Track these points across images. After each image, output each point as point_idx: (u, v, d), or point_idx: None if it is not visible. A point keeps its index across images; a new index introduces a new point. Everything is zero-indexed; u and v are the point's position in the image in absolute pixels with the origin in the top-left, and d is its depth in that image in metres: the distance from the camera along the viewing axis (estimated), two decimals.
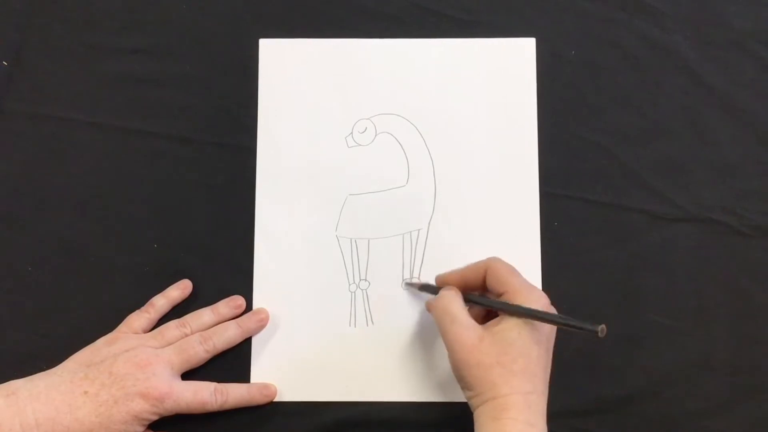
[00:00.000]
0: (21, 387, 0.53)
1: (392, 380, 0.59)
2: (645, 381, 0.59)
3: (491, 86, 0.64)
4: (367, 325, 0.60)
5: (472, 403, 0.51)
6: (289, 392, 0.59)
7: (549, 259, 0.61)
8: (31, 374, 0.55)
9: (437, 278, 0.59)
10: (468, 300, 0.55)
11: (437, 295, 0.55)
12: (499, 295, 0.53)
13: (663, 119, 0.63)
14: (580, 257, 0.61)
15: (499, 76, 0.64)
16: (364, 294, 0.61)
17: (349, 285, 0.61)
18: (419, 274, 0.61)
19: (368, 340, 0.60)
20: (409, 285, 0.60)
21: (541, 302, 0.52)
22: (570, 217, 0.62)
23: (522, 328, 0.50)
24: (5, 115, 0.63)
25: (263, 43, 0.64)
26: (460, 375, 0.52)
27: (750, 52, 0.65)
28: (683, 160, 0.63)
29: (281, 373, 0.59)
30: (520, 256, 0.60)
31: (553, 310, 0.53)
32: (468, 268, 0.56)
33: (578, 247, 0.61)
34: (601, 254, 0.61)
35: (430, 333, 0.60)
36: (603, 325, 0.47)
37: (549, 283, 0.60)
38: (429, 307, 0.57)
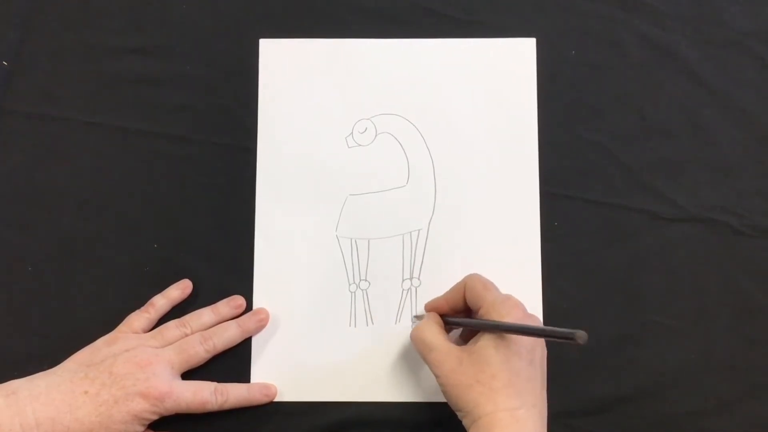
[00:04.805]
0: (21, 387, 0.53)
1: (392, 380, 0.59)
2: (645, 381, 0.59)
3: (491, 86, 0.64)
4: (367, 325, 0.60)
5: (464, 423, 0.51)
6: (289, 392, 0.59)
7: (549, 259, 0.61)
8: (31, 374, 0.55)
9: (425, 305, 0.59)
10: (447, 323, 0.55)
11: (414, 327, 0.56)
12: (477, 310, 0.53)
13: (663, 119, 0.63)
14: (580, 257, 0.61)
15: (499, 76, 0.64)
16: (364, 294, 0.61)
17: (349, 285, 0.61)
18: (419, 274, 0.61)
19: (368, 340, 0.60)
20: (415, 318, 0.61)
21: (514, 313, 0.50)
22: (570, 217, 0.62)
23: (498, 343, 0.50)
24: (5, 115, 0.63)
25: (263, 43, 0.64)
26: (447, 397, 0.52)
27: (750, 52, 0.64)
28: (683, 160, 0.63)
29: (281, 373, 0.59)
30: (520, 256, 0.61)
31: (535, 320, 0.52)
32: (451, 290, 0.56)
33: (578, 247, 0.61)
34: (601, 254, 0.61)
35: None
36: (582, 331, 0.42)
37: (549, 283, 0.60)
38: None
